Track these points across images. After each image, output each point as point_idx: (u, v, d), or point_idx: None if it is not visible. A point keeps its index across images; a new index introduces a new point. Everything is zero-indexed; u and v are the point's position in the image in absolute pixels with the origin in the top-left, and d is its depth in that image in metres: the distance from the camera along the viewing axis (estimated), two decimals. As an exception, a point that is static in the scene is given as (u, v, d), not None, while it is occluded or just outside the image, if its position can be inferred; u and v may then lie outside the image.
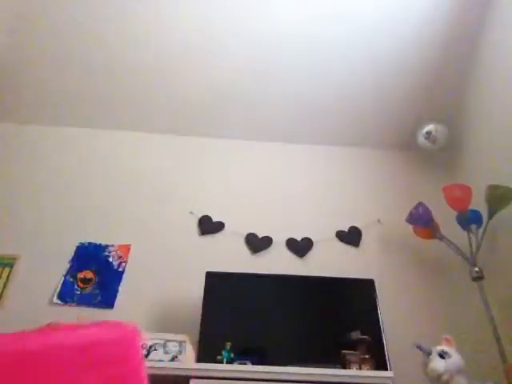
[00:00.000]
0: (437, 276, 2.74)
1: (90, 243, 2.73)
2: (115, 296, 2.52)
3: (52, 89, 3.10)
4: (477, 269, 2.41)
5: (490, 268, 2.54)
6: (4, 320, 2.35)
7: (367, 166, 3.28)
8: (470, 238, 2.51)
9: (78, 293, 2.52)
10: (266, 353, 2.10)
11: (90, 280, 2.57)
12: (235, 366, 1.93)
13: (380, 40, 2.83)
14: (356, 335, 2.17)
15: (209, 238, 2.83)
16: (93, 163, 3.13)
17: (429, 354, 1.94)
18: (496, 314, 2.39)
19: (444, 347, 1.94)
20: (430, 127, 2.93)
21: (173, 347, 1.98)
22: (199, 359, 2.03)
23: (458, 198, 2.57)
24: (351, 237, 2.89)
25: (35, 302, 2.46)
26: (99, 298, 2.51)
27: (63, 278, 2.57)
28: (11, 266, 2.59)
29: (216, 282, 2.40)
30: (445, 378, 1.84)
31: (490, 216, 2.50)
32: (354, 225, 2.93)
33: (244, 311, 2.32)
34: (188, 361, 1.97)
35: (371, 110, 3.16)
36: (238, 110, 3.20)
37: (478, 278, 2.39)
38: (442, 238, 2.62)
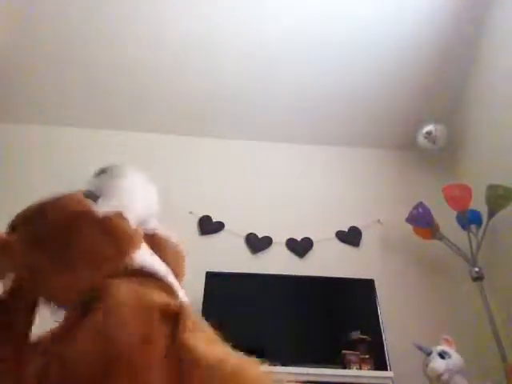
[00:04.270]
0: (437, 276, 2.74)
1: (90, 243, 2.72)
2: (115, 296, 2.52)
3: (52, 89, 3.10)
4: (477, 269, 2.41)
5: (490, 268, 2.54)
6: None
7: (367, 166, 3.28)
8: (469, 238, 2.51)
9: (78, 293, 2.51)
10: (265, 353, 2.10)
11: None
12: (235, 366, 1.93)
13: (380, 40, 2.83)
14: (356, 335, 2.18)
15: (209, 238, 2.83)
16: (93, 163, 3.12)
17: (429, 354, 1.94)
18: (496, 314, 2.39)
19: (444, 347, 1.94)
20: (429, 127, 2.93)
21: (173, 347, 1.98)
22: (199, 359, 2.03)
23: (458, 197, 2.57)
24: (351, 237, 2.89)
25: (35, 301, 2.45)
26: (99, 297, 2.51)
27: (63, 278, 2.56)
28: (11, 265, 2.59)
29: (216, 282, 2.40)
30: (445, 377, 1.85)
31: (490, 216, 2.50)
32: (354, 225, 2.93)
33: (244, 311, 2.32)
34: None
35: (371, 110, 3.16)
36: (238, 111, 3.20)
37: (478, 278, 2.39)
38: (441, 238, 2.62)
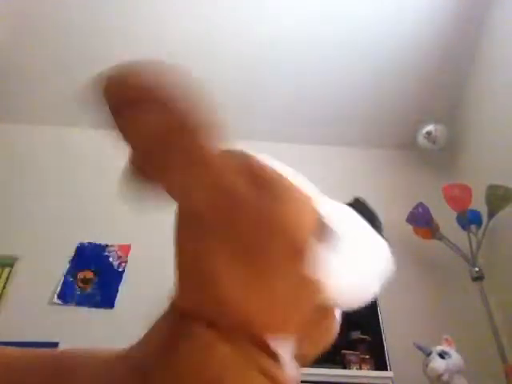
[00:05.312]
0: (437, 276, 2.73)
1: (90, 243, 2.73)
2: (115, 296, 2.52)
3: (52, 89, 3.10)
4: (477, 269, 2.41)
5: (490, 268, 2.54)
6: (4, 320, 2.35)
7: (367, 166, 3.27)
8: (469, 238, 2.51)
9: (78, 293, 2.52)
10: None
11: (89, 280, 2.57)
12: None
13: (380, 40, 2.83)
14: (356, 335, 2.18)
15: (209, 238, 2.82)
16: (93, 163, 3.13)
17: (429, 354, 1.94)
18: (496, 314, 2.39)
19: (444, 347, 1.94)
20: (429, 127, 2.93)
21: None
22: (199, 359, 2.03)
23: (457, 198, 2.57)
24: (351, 237, 2.88)
25: (35, 301, 2.46)
26: (99, 297, 2.51)
27: (63, 278, 2.56)
28: (11, 266, 2.59)
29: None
30: (445, 378, 1.85)
31: (490, 216, 2.50)
32: (354, 225, 2.92)
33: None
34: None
35: (371, 109, 3.16)
36: (237, 110, 3.20)
37: (478, 278, 2.39)
38: (441, 238, 2.62)
